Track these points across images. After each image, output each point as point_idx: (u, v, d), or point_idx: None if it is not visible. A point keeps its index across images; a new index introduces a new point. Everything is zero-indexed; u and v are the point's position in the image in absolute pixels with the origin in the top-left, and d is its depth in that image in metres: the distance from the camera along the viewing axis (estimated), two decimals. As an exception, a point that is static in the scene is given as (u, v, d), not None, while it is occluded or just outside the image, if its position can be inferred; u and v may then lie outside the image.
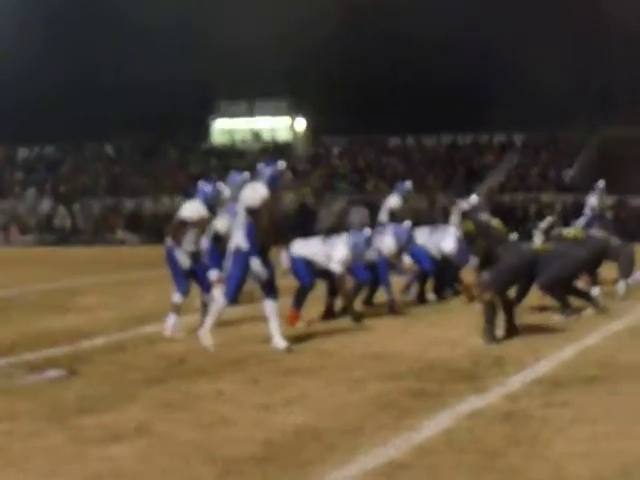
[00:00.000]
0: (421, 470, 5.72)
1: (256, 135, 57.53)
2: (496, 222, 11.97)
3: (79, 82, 51.90)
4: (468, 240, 11.72)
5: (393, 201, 17.41)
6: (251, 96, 56.41)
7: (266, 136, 57.33)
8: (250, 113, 57.75)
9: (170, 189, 48.80)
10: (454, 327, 11.67)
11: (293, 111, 56.28)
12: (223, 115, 58.01)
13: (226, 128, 58.19)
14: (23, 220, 46.70)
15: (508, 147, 49.59)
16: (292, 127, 55.79)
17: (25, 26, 53.38)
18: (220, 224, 12.92)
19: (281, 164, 10.96)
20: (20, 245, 45.02)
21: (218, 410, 7.32)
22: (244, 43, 52.84)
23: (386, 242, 13.62)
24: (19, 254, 37.49)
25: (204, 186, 11.99)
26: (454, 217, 15.27)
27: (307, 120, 55.96)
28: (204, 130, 57.39)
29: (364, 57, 53.61)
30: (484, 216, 13.23)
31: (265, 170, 10.55)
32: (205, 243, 12.66)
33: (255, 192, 10.35)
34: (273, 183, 10.42)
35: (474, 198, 15.40)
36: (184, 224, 11.41)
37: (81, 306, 14.97)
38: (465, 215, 14.05)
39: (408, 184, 18.15)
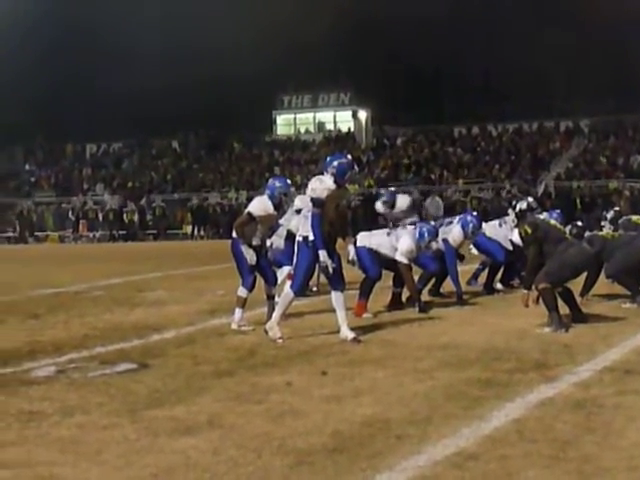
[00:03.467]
0: (491, 460, 5.69)
1: (319, 127, 57.59)
2: (553, 222, 11.87)
3: (144, 80, 52.32)
4: (524, 242, 11.46)
5: None
6: (314, 89, 56.47)
7: (329, 128, 57.37)
8: (313, 106, 57.82)
9: (235, 183, 49.06)
10: (522, 316, 11.58)
11: (356, 103, 56.20)
12: (287, 108, 58.15)
13: (289, 121, 58.35)
14: (92, 216, 47.22)
15: (575, 133, 49.01)
16: (355, 118, 55.71)
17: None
18: (293, 223, 13.22)
19: (348, 156, 10.99)
20: (89, 241, 45.59)
21: (288, 401, 7.35)
22: (307, 37, 52.92)
23: (454, 232, 13.62)
24: (88, 250, 37.97)
25: (274, 181, 11.99)
26: (511, 217, 14.94)
27: (370, 111, 55.86)
28: (268, 123, 57.59)
29: (428, 47, 53.38)
30: (540, 216, 13.06)
31: (331, 162, 10.56)
32: (279, 241, 12.88)
33: (322, 184, 10.37)
34: (340, 175, 10.43)
35: (531, 200, 15.09)
36: (252, 219, 11.45)
37: (150, 300, 15.13)
38: (521, 216, 13.76)
39: None
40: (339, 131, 55.93)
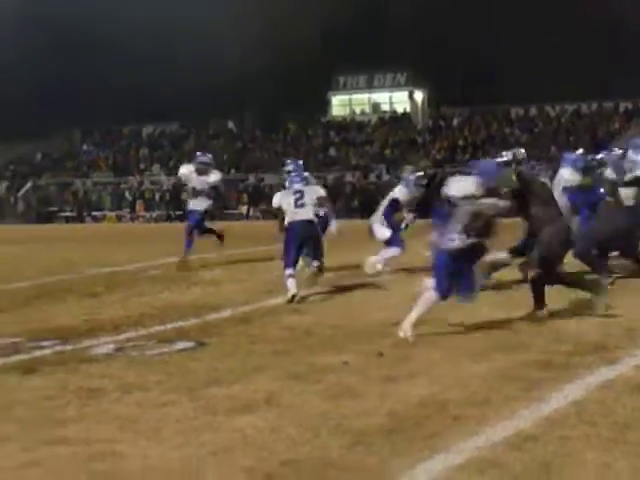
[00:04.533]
0: (551, 442, 5.65)
1: (375, 108, 57.38)
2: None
3: (201, 61, 52.45)
4: None
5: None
6: (370, 69, 56.24)
7: (385, 109, 57.14)
8: (369, 86, 57.60)
9: (291, 163, 48.99)
10: (581, 300, 11.48)
11: (412, 83, 55.88)
12: (342, 89, 57.99)
13: (345, 102, 58.19)
14: (148, 196, 47.57)
15: (634, 114, 48.38)
16: (411, 99, 55.42)
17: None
18: (400, 192, 15.06)
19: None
20: (146, 220, 45.93)
21: (344, 382, 7.36)
22: (362, 17, 52.69)
23: None
24: (145, 229, 38.26)
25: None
26: None
27: (427, 91, 55.52)
28: (323, 104, 57.49)
29: (484, 27, 52.91)
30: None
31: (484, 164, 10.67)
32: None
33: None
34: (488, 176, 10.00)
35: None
36: None
37: (207, 279, 15.21)
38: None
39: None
40: (395, 112, 55.70)
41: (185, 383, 7.45)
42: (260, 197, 44.61)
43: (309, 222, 13.41)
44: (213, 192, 17.75)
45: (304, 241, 13.30)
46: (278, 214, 13.71)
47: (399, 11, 54.79)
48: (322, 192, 14.02)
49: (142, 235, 32.70)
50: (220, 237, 18.05)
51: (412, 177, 15.30)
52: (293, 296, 12.48)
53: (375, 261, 14.93)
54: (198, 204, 17.60)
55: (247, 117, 56.93)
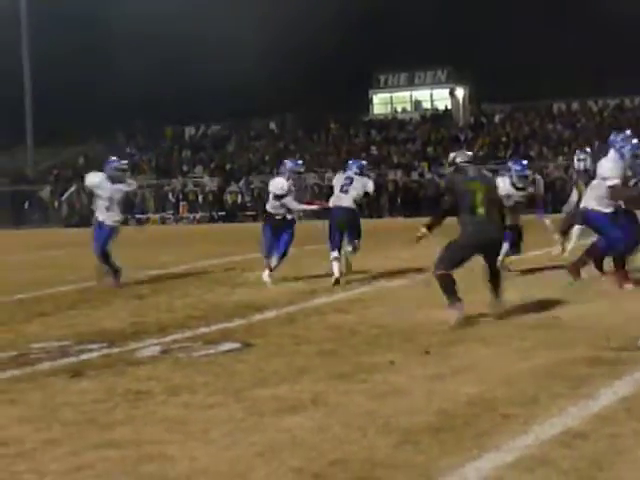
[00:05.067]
0: (601, 439, 5.60)
1: (416, 106, 57.26)
2: None
3: (243, 62, 52.57)
4: None
5: None
6: (411, 67, 56.13)
7: (426, 106, 57.01)
8: (410, 84, 57.50)
9: (332, 163, 49.11)
10: (627, 297, 11.39)
11: (453, 80, 55.72)
12: (383, 87, 57.94)
13: (386, 100, 58.13)
14: (191, 198, 47.78)
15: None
16: (452, 96, 55.25)
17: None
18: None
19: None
20: (189, 222, 46.13)
21: (391, 380, 7.34)
22: (404, 16, 52.56)
23: None
24: (189, 231, 38.43)
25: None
26: None
27: (468, 88, 55.32)
28: (365, 103, 57.47)
29: (525, 23, 52.62)
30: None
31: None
32: None
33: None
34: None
35: None
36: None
37: (251, 280, 15.23)
38: None
39: None
40: (436, 109, 55.55)
41: (232, 384, 7.46)
42: (302, 198, 44.64)
43: (348, 209, 14.77)
44: (125, 202, 15.95)
45: (344, 226, 14.72)
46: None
47: (439, 7, 54.63)
48: (370, 187, 15.41)
49: (186, 237, 32.86)
50: (116, 273, 15.35)
51: None
52: (337, 280, 13.74)
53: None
54: (110, 217, 15.42)
55: (288, 118, 57.02)
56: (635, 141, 12.63)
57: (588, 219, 12.65)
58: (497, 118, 51.93)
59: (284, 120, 57.17)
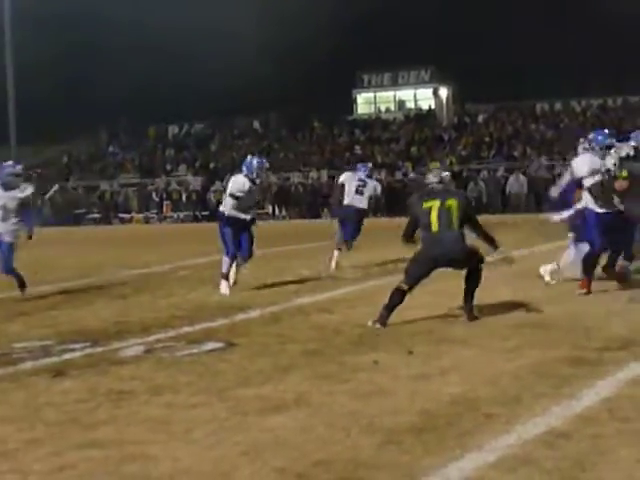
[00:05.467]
0: (583, 439, 5.62)
1: (400, 105, 57.32)
2: None
3: (225, 61, 52.54)
4: None
5: None
6: (395, 67, 56.17)
7: (410, 106, 57.07)
8: (394, 84, 57.55)
9: (316, 163, 49.13)
10: (609, 296, 11.43)
11: (437, 80, 55.79)
12: (367, 87, 57.97)
13: (370, 100, 58.17)
14: (175, 197, 47.71)
15: (660, 109, 48.06)
16: (436, 96, 55.32)
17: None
18: None
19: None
20: (173, 221, 46.05)
21: (375, 380, 7.34)
22: (387, 16, 52.61)
23: None
24: (172, 230, 38.36)
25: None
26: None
27: (451, 88, 55.41)
28: (348, 102, 57.48)
29: (509, 24, 52.74)
30: None
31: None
32: None
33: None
34: None
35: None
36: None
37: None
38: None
39: None
40: (420, 109, 55.61)
41: (215, 384, 7.45)
42: (286, 197, 44.63)
43: (362, 210, 16.66)
44: (21, 209, 14.21)
45: (351, 223, 16.47)
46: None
47: (423, 7, 54.69)
48: (379, 190, 17.42)
49: (170, 236, 32.81)
50: (22, 286, 14.05)
51: None
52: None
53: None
54: (6, 229, 13.99)
55: (272, 117, 56.99)
56: (602, 134, 12.68)
57: (584, 217, 12.53)
58: (480, 118, 52.01)
59: (268, 119, 57.14)
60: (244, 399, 6.91)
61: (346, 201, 16.67)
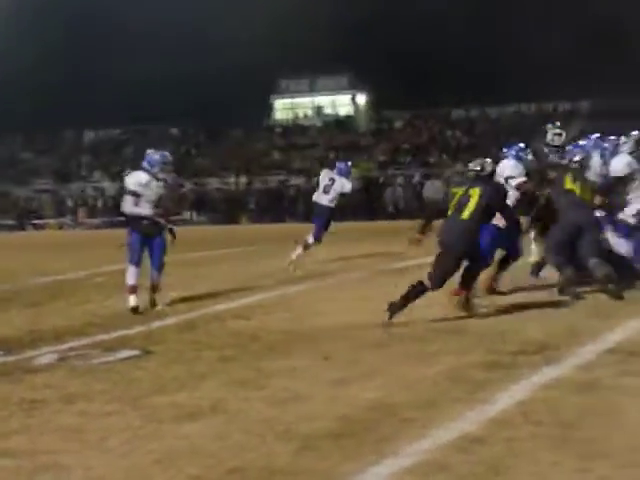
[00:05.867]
0: (497, 443, 5.66)
1: (318, 111, 57.48)
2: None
3: (143, 67, 52.17)
4: None
5: None
6: (312, 73, 56.28)
7: (328, 112, 57.26)
8: (312, 90, 57.68)
9: (235, 168, 49.03)
10: (526, 298, 11.55)
11: (354, 86, 56.07)
12: (285, 93, 58.01)
13: (288, 105, 58.21)
14: (91, 203, 47.20)
15: (573, 116, 48.88)
16: (354, 102, 55.60)
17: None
18: None
19: None
20: (88, 228, 45.53)
21: (292, 386, 7.32)
22: (305, 20, 52.68)
23: None
24: (88, 237, 37.93)
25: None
26: None
27: (369, 95, 55.73)
28: (266, 109, 57.46)
29: (424, 29, 53.19)
30: None
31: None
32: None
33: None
34: None
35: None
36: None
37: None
38: None
39: None
40: (337, 115, 55.81)
41: (130, 392, 7.37)
42: (203, 202, 44.43)
43: (325, 207, 17.17)
44: None
45: (316, 220, 17.09)
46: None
47: (341, 14, 54.87)
48: (347, 188, 17.52)
49: (85, 242, 32.42)
50: None
51: None
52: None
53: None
54: None
55: (190, 123, 56.71)
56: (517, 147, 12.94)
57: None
58: (397, 124, 52.40)
59: (186, 125, 56.87)
60: (159, 407, 6.84)
61: (314, 198, 17.56)
